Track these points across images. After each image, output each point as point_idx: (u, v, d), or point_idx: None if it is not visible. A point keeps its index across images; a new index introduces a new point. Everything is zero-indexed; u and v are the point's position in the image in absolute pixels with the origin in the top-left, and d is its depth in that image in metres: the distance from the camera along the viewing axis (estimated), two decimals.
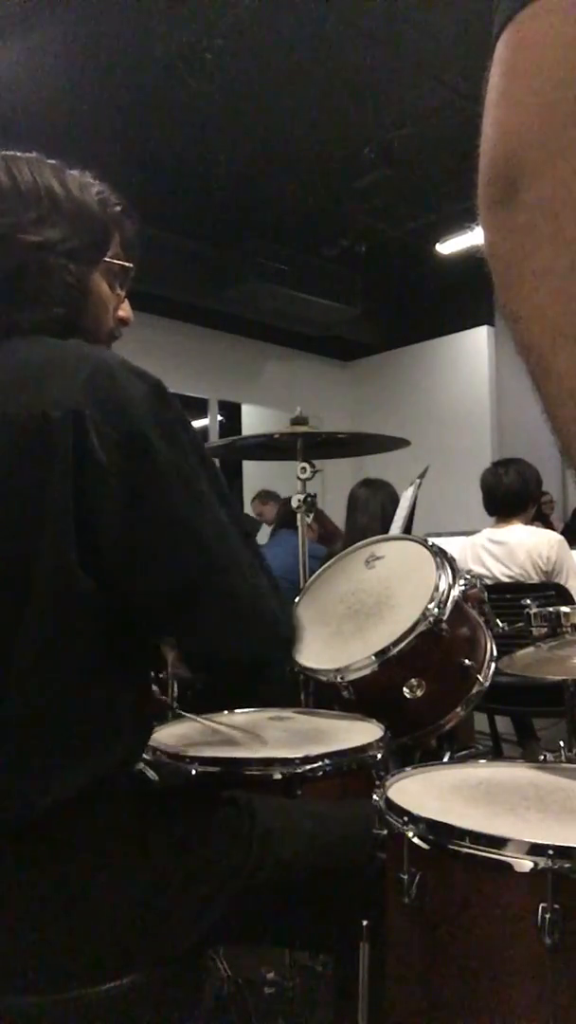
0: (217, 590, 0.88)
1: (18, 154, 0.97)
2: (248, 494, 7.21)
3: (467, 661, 1.46)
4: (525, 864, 0.81)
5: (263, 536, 4.09)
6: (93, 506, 0.81)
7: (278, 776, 1.15)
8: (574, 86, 0.43)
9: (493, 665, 1.50)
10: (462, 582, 1.49)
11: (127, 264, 1.04)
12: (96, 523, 0.81)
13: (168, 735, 1.34)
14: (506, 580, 2.84)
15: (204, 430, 7.23)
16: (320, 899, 1.02)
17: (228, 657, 0.96)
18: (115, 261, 1.02)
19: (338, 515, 3.48)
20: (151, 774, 1.11)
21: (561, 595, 2.68)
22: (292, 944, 1.21)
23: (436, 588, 1.43)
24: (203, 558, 0.87)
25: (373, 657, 1.39)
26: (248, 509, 6.11)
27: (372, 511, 3.16)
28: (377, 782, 1.12)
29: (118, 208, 1.03)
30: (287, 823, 1.03)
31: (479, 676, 1.46)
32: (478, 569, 2.88)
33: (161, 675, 1.64)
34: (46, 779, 0.83)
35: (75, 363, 0.86)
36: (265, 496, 5.76)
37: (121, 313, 1.05)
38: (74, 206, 0.96)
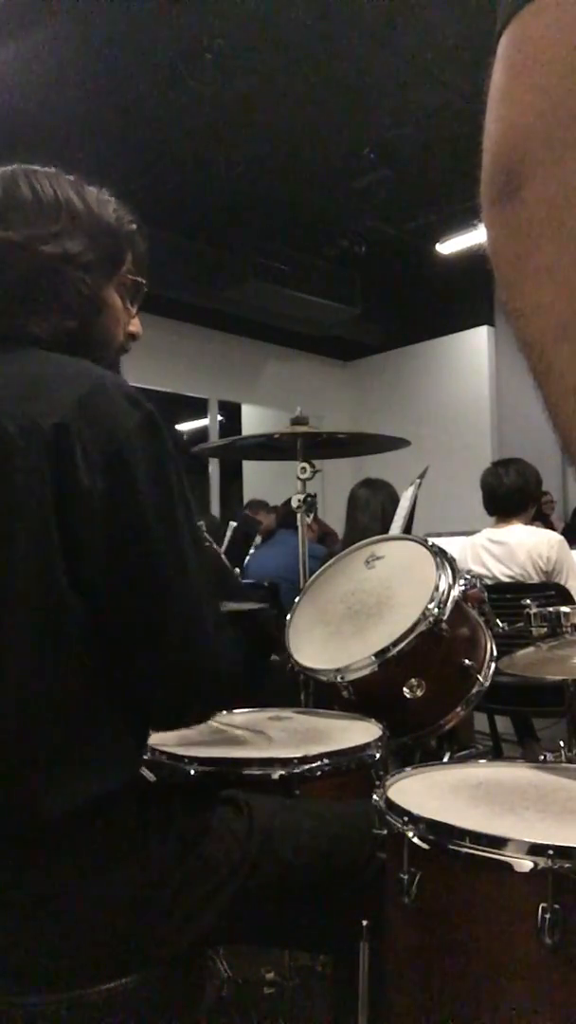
0: (167, 633, 0.88)
1: (37, 168, 0.99)
2: (248, 494, 7.22)
3: (467, 661, 1.46)
4: (525, 864, 0.81)
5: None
6: (76, 524, 0.81)
7: (276, 776, 1.15)
8: None
9: (493, 665, 1.50)
10: (462, 582, 1.49)
11: (141, 280, 1.06)
12: (80, 542, 0.82)
13: (166, 735, 1.34)
14: (506, 580, 2.84)
15: (204, 430, 7.24)
16: (320, 899, 1.02)
17: (158, 693, 0.94)
18: (129, 276, 1.04)
19: (338, 515, 3.48)
20: (148, 774, 1.11)
21: (561, 595, 2.68)
22: (292, 944, 1.21)
23: (436, 588, 1.43)
24: (166, 601, 0.87)
25: (373, 657, 1.39)
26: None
27: (372, 511, 3.16)
28: (377, 782, 1.12)
29: (132, 226, 1.05)
30: (286, 822, 1.03)
31: (479, 676, 1.46)
32: (478, 569, 2.89)
33: None
34: (46, 792, 0.83)
35: (72, 379, 0.87)
36: (256, 506, 5.79)
37: (132, 328, 1.07)
38: (92, 220, 0.98)
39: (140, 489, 0.83)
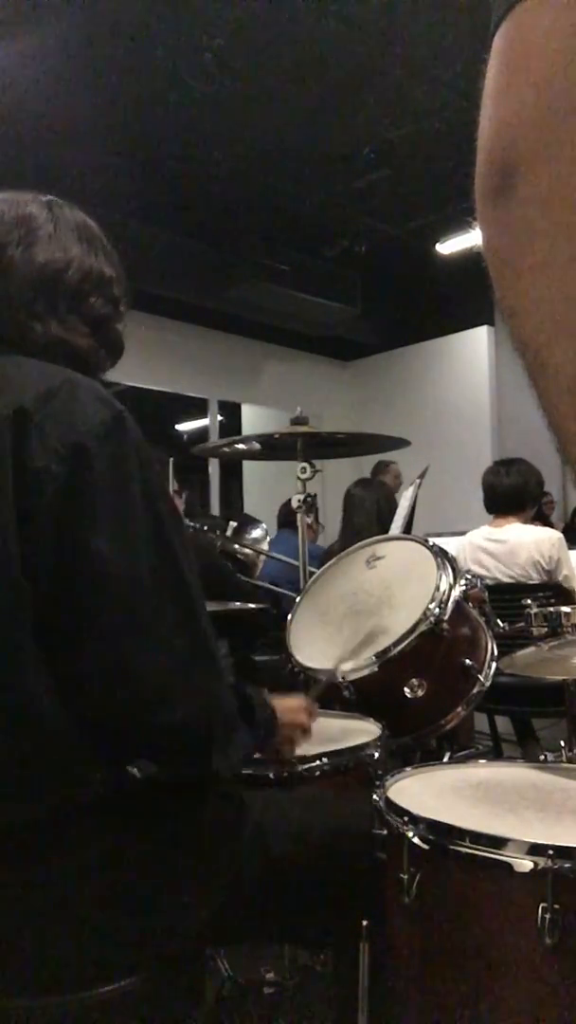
0: (114, 643, 0.82)
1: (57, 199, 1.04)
2: (248, 494, 7.22)
3: (468, 661, 1.46)
4: (525, 864, 0.81)
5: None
6: (28, 505, 0.80)
7: (274, 775, 1.15)
8: (571, 79, 0.43)
9: (494, 665, 1.50)
10: (463, 582, 1.49)
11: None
12: (30, 531, 0.80)
13: None
14: (506, 580, 2.84)
15: (204, 430, 7.24)
16: (318, 891, 1.02)
17: (110, 711, 0.85)
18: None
19: (338, 515, 3.49)
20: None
21: (561, 595, 2.68)
22: (291, 939, 1.21)
23: (437, 588, 1.43)
24: (115, 602, 0.82)
25: (374, 657, 1.39)
26: (255, 507, 6.07)
27: (368, 510, 3.17)
28: (377, 782, 1.12)
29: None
30: (278, 815, 1.02)
31: (480, 676, 1.46)
32: (476, 569, 2.88)
33: None
34: (21, 791, 0.82)
35: (43, 376, 0.88)
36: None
37: None
38: (115, 259, 1.04)
39: (96, 480, 0.82)
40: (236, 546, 3.06)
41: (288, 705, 1.13)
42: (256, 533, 3.67)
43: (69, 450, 0.81)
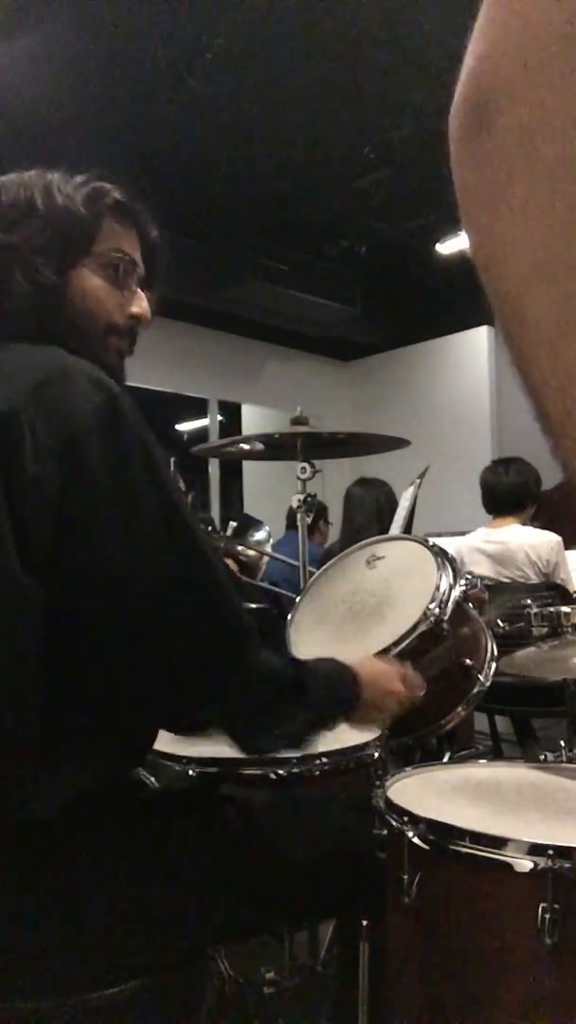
0: (141, 627, 0.81)
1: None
2: (248, 494, 7.21)
3: (468, 661, 1.46)
4: (525, 864, 0.81)
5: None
6: (25, 513, 0.77)
7: (275, 776, 1.15)
8: (560, 3, 0.38)
9: (494, 665, 1.50)
10: (463, 582, 1.49)
11: (126, 256, 1.00)
12: (29, 532, 0.77)
13: (166, 736, 1.34)
14: (504, 581, 2.84)
15: (204, 430, 7.23)
16: (319, 886, 1.02)
17: (163, 685, 0.84)
18: (115, 254, 0.99)
19: (337, 515, 3.49)
20: (150, 780, 1.11)
21: (561, 595, 2.68)
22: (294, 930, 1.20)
23: (437, 588, 1.43)
24: (126, 590, 0.79)
25: (374, 657, 1.39)
26: (255, 507, 6.05)
27: (368, 510, 3.17)
28: (377, 782, 1.12)
29: (115, 197, 1.00)
30: (280, 815, 1.03)
31: (480, 676, 1.46)
32: (475, 571, 2.88)
33: None
34: (35, 789, 0.82)
35: (31, 368, 0.84)
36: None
37: (133, 309, 1.01)
38: (50, 206, 0.95)
39: (93, 474, 0.79)
40: (240, 548, 3.06)
41: (377, 670, 1.08)
42: (259, 535, 3.66)
43: (64, 447, 0.78)
